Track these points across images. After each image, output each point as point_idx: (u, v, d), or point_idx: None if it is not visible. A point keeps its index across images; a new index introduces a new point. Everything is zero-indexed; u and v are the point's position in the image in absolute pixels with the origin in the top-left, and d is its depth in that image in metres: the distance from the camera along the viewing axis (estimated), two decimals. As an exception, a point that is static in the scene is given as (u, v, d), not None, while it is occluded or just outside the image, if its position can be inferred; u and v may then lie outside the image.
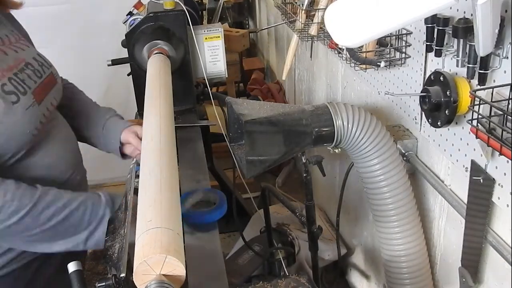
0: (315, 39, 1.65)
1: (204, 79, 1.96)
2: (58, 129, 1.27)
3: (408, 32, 1.24)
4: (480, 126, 0.89)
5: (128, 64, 1.88)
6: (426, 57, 1.20)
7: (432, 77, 1.08)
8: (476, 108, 0.89)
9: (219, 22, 3.27)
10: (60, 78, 1.35)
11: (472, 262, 1.09)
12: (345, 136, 1.22)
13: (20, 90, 1.11)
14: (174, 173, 0.89)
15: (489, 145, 0.87)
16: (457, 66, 1.02)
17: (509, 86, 0.86)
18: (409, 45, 1.25)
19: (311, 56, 2.44)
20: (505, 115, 0.85)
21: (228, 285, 1.08)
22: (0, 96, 1.05)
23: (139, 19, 1.89)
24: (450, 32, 1.00)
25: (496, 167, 0.96)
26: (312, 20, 1.59)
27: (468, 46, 0.96)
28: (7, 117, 1.05)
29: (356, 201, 1.91)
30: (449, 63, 1.09)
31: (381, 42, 1.36)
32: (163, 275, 0.66)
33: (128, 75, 1.94)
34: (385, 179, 1.22)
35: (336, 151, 1.28)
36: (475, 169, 1.02)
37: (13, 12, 1.32)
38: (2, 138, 1.05)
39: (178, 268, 0.67)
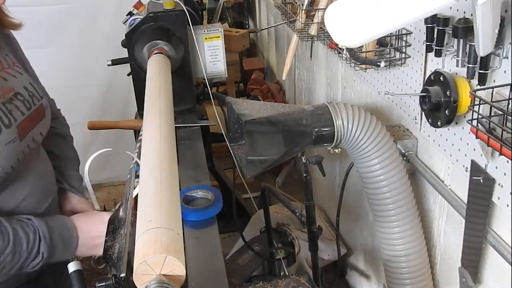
0: (315, 39, 1.65)
1: (204, 79, 1.96)
2: (36, 164, 1.18)
3: (408, 32, 1.24)
4: (480, 126, 0.89)
5: (128, 64, 1.88)
6: (426, 57, 1.20)
7: (432, 77, 1.08)
8: (476, 108, 0.89)
9: (219, 22, 3.27)
10: (49, 111, 1.24)
11: (472, 262, 1.09)
12: (345, 136, 1.22)
13: (4, 122, 1.04)
14: (174, 173, 0.89)
15: (489, 145, 0.87)
16: (457, 66, 1.02)
17: (509, 86, 0.86)
18: (409, 45, 1.25)
19: (311, 56, 2.44)
20: (505, 115, 0.85)
21: (228, 285, 1.08)
22: None
23: (139, 19, 1.89)
24: (450, 32, 1.00)
25: (496, 167, 0.96)
26: (312, 20, 1.59)
27: (468, 46, 0.96)
28: None
29: (356, 201, 1.91)
30: (449, 63, 1.09)
31: (381, 42, 1.36)
32: (163, 275, 0.66)
33: (128, 75, 1.94)
34: (385, 179, 1.22)
35: (336, 151, 1.28)
36: (475, 169, 1.02)
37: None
38: None
39: (178, 268, 0.67)
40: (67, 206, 1.31)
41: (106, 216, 1.11)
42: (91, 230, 1.15)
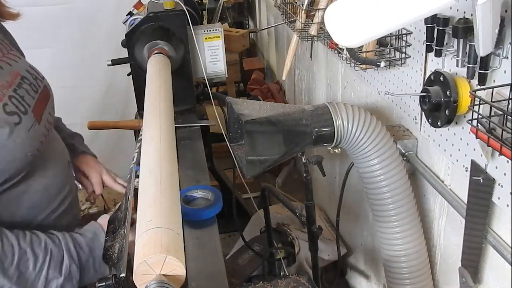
0: (315, 39, 1.65)
1: (204, 79, 1.96)
2: (52, 146, 1.19)
3: (408, 32, 1.24)
4: (480, 126, 0.89)
5: (128, 64, 1.88)
6: (426, 57, 1.20)
7: (432, 77, 1.08)
8: (476, 108, 0.89)
9: (219, 22, 3.27)
10: (52, 91, 1.26)
11: (472, 262, 1.09)
12: (345, 136, 1.22)
13: (21, 109, 1.04)
14: (174, 173, 0.89)
15: (489, 145, 0.87)
16: (457, 66, 1.02)
17: (509, 86, 0.86)
18: (409, 45, 1.25)
19: (311, 56, 2.44)
20: (505, 115, 0.85)
21: (228, 285, 1.08)
22: (3, 119, 0.98)
23: (139, 19, 1.89)
24: (450, 32, 1.00)
25: (496, 167, 0.96)
26: (312, 20, 1.59)
27: (468, 46, 0.96)
28: (10, 140, 0.98)
29: (356, 201, 1.91)
30: (449, 63, 1.09)
31: (381, 42, 1.36)
32: (163, 275, 0.66)
33: (128, 75, 1.94)
34: (385, 179, 1.22)
35: (336, 151, 1.28)
36: (475, 169, 1.02)
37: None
38: (3, 163, 0.98)
39: (178, 268, 0.67)
40: (84, 166, 1.45)
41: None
42: None
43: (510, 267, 0.97)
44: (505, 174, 0.94)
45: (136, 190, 0.88)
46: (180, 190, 1.16)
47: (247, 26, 4.67)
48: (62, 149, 1.27)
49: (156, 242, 0.67)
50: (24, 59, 1.22)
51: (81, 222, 1.25)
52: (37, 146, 1.06)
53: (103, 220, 1.13)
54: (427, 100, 1.06)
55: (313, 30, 1.57)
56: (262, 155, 1.20)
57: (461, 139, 1.08)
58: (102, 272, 1.06)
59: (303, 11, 1.60)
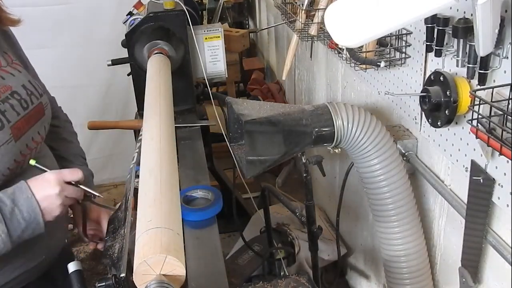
0: (315, 39, 1.65)
1: (204, 79, 1.96)
2: (43, 160, 1.16)
3: (408, 32, 1.24)
4: (480, 126, 0.89)
5: (128, 64, 1.88)
6: (426, 57, 1.20)
7: (432, 77, 1.08)
8: (476, 108, 0.89)
9: (219, 22, 3.27)
10: (50, 109, 1.22)
11: (472, 262, 1.09)
12: (345, 136, 1.22)
13: None
14: (174, 173, 0.89)
15: (489, 145, 0.87)
16: (457, 66, 1.02)
17: (509, 86, 0.86)
18: (409, 45, 1.25)
19: (311, 56, 2.44)
20: (505, 115, 0.85)
21: (228, 285, 1.08)
22: None
23: (139, 19, 1.89)
24: (450, 32, 1.00)
25: (496, 167, 0.96)
26: (312, 20, 1.59)
27: (468, 46, 0.96)
28: None
29: (356, 201, 1.91)
30: (449, 63, 1.09)
31: (381, 42, 1.36)
32: (163, 275, 0.66)
33: (128, 75, 1.94)
34: (385, 179, 1.22)
35: (336, 151, 1.28)
36: (475, 169, 1.02)
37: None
38: None
39: (178, 268, 0.67)
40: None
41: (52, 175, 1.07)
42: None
43: (510, 267, 0.97)
44: (505, 174, 0.94)
45: (136, 190, 0.88)
46: (180, 190, 1.16)
47: (247, 26, 4.67)
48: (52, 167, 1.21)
49: (156, 242, 0.68)
50: (24, 73, 1.20)
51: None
52: (9, 164, 1.05)
53: (51, 175, 1.07)
54: (427, 100, 1.06)
55: (313, 30, 1.57)
56: (262, 155, 1.20)
57: (461, 139, 1.08)
58: (36, 222, 1.03)
59: (303, 11, 1.60)
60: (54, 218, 1.07)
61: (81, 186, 1.11)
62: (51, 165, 1.23)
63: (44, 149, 1.22)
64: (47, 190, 1.05)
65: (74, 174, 1.09)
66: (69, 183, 1.09)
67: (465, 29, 0.94)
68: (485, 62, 0.93)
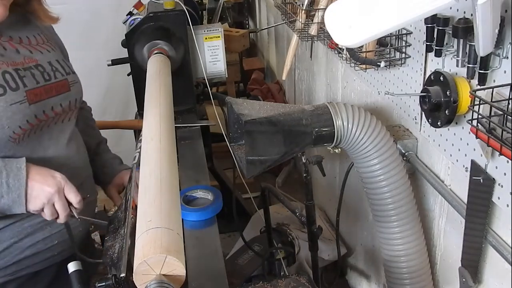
0: (315, 39, 1.65)
1: (204, 79, 1.96)
2: (62, 133, 1.25)
3: (408, 32, 1.24)
4: (480, 126, 0.89)
5: (128, 64, 1.88)
6: (426, 57, 1.20)
7: (432, 77, 1.08)
8: (476, 108, 0.89)
9: (219, 22, 3.27)
10: (78, 88, 1.33)
11: (472, 262, 1.09)
12: (345, 136, 1.22)
13: (11, 85, 1.10)
14: (174, 173, 0.89)
15: (489, 145, 0.87)
16: (457, 66, 1.02)
17: (509, 86, 0.86)
18: (409, 45, 1.25)
19: (311, 56, 2.44)
20: (505, 115, 0.85)
21: (228, 285, 1.08)
22: None
23: (139, 19, 1.89)
24: (450, 32, 1.00)
25: (496, 167, 0.96)
26: (312, 20, 1.59)
27: (468, 46, 0.96)
28: None
29: (356, 201, 1.91)
30: (449, 63, 1.09)
31: (381, 42, 1.36)
32: (163, 275, 0.66)
33: (128, 75, 1.94)
34: (385, 179, 1.22)
35: (336, 151, 1.28)
36: (475, 169, 1.02)
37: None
38: None
39: (178, 268, 0.67)
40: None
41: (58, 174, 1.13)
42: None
43: (510, 267, 0.97)
44: (505, 174, 0.94)
45: (136, 190, 0.89)
46: (180, 190, 1.16)
47: (247, 26, 4.67)
48: (77, 141, 1.32)
49: (156, 242, 0.67)
50: (54, 54, 1.29)
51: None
52: (20, 123, 1.11)
53: (59, 176, 1.13)
54: (427, 100, 1.06)
55: (313, 30, 1.57)
56: (262, 155, 1.20)
57: (461, 139, 1.08)
58: (18, 193, 1.06)
59: (303, 11, 1.60)
60: (26, 211, 1.10)
61: (71, 208, 1.14)
62: (78, 149, 1.32)
63: (68, 124, 1.29)
64: (45, 181, 1.09)
65: (75, 197, 1.14)
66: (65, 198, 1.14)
67: (465, 29, 0.94)
68: (485, 62, 0.93)
